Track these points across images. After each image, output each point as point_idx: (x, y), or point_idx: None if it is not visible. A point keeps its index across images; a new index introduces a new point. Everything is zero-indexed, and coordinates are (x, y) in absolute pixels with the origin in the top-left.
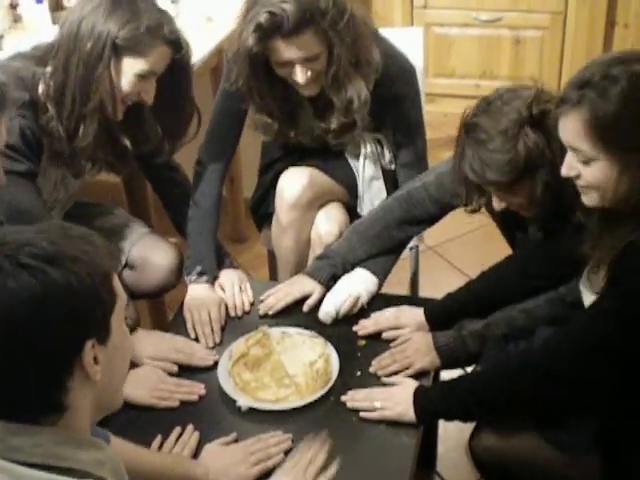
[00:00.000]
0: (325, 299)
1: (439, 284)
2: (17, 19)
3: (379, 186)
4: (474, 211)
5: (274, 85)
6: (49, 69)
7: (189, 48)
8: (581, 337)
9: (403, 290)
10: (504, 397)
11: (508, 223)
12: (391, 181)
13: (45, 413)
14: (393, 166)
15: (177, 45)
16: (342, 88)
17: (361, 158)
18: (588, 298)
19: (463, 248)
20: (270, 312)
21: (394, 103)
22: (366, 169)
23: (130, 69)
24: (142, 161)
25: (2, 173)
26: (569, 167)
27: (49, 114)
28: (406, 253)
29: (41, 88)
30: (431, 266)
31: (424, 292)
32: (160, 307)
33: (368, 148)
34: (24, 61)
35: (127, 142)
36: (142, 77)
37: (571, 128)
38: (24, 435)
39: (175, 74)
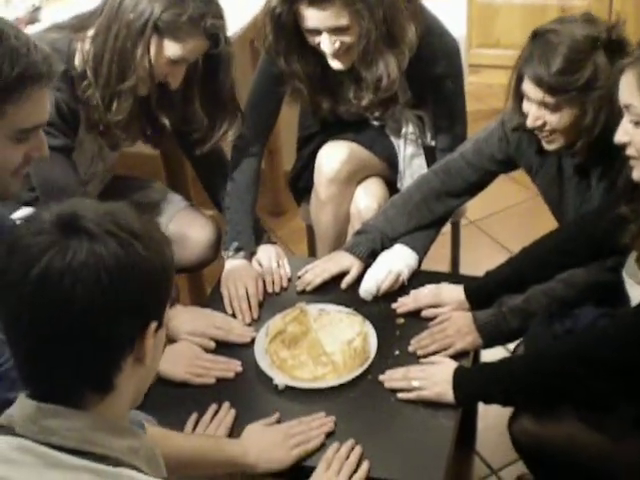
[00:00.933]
0: (365, 276)
1: (481, 260)
2: None
3: (420, 163)
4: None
5: (305, 51)
6: (90, 33)
7: (230, 44)
8: (632, 327)
9: (444, 267)
10: (547, 384)
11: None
12: (432, 157)
13: (92, 391)
14: (434, 142)
15: (216, 40)
16: (372, 64)
17: (402, 135)
18: (634, 289)
19: (506, 223)
20: (308, 288)
21: (435, 83)
22: (407, 147)
23: (164, 51)
24: (183, 143)
25: (46, 146)
26: (624, 132)
27: (86, 82)
28: (446, 228)
29: (78, 57)
30: (473, 241)
31: (465, 269)
32: (198, 281)
33: (410, 127)
34: (60, 32)
35: (166, 121)
36: (173, 61)
37: (627, 82)
38: (59, 418)
39: (213, 67)
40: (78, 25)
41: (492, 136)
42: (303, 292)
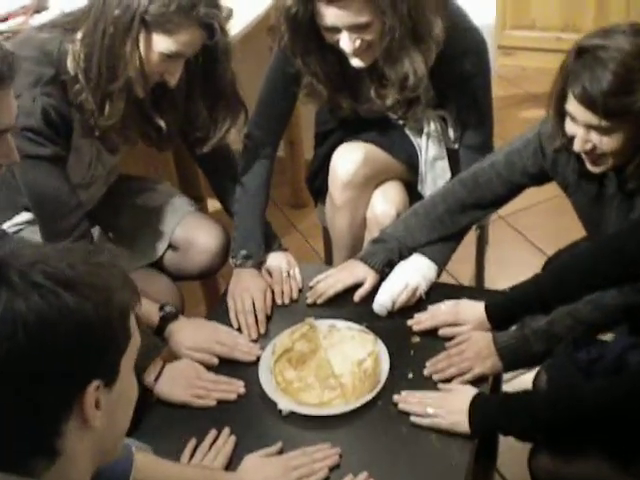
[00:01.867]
0: (380, 289)
1: (508, 257)
2: None
3: (443, 166)
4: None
5: (323, 50)
6: (79, 35)
7: (226, 34)
8: None
9: (468, 267)
10: (571, 426)
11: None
12: (455, 161)
13: (34, 458)
14: (457, 145)
15: (211, 30)
16: (397, 62)
17: (424, 137)
18: None
19: (536, 219)
20: (319, 301)
21: (462, 81)
22: (429, 149)
23: (155, 46)
24: (186, 142)
25: (16, 152)
26: None
27: (79, 86)
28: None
29: (69, 59)
30: (500, 237)
31: (491, 267)
32: (213, 288)
33: (432, 126)
34: (52, 31)
35: (162, 122)
36: (168, 57)
37: None
38: None
39: (210, 60)
40: (69, 25)
41: (527, 148)
42: (314, 304)
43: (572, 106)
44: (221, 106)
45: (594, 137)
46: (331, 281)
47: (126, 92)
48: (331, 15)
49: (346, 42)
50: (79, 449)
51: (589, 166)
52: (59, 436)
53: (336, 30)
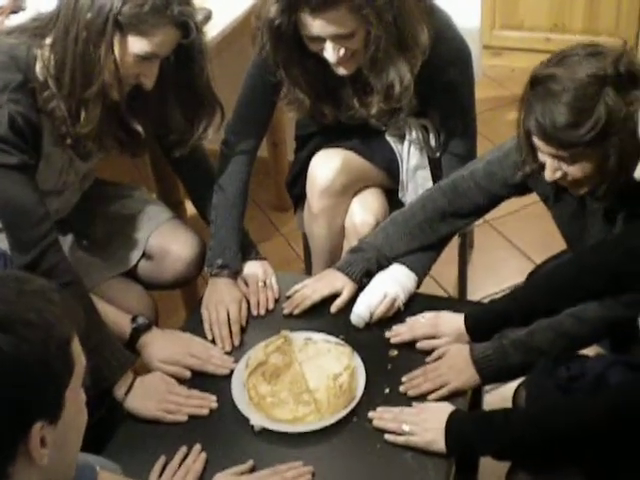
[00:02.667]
0: (358, 300)
1: (494, 262)
2: None
3: (424, 175)
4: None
5: (305, 59)
6: (48, 40)
7: (202, 32)
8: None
9: (453, 271)
10: (548, 442)
11: (562, 212)
12: (437, 170)
13: None
14: (438, 154)
15: (186, 28)
16: (382, 71)
17: (405, 145)
18: None
19: (522, 223)
20: (295, 312)
21: (448, 90)
22: (411, 158)
23: (130, 48)
24: (161, 145)
25: None
26: None
27: (48, 93)
28: None
29: (38, 65)
30: (486, 241)
31: (477, 271)
32: (194, 297)
33: (413, 135)
34: (20, 36)
35: (139, 127)
36: (143, 58)
37: None
38: None
39: (185, 60)
40: (37, 31)
41: (507, 158)
42: (290, 315)
43: (535, 139)
44: (196, 107)
45: (562, 165)
46: (308, 292)
47: (102, 97)
48: (316, 26)
49: (330, 52)
50: None
51: (570, 190)
52: (5, 478)
53: (320, 40)
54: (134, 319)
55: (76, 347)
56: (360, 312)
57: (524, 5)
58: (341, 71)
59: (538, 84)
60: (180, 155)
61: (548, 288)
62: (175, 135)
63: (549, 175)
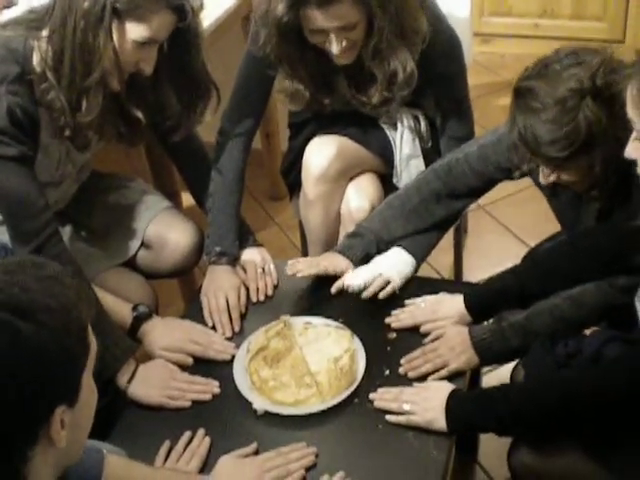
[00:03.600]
0: (355, 271)
1: (488, 247)
2: None
3: (417, 164)
4: (523, 175)
5: (306, 51)
6: (45, 32)
7: (197, 15)
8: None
9: (448, 257)
10: (548, 417)
11: (559, 200)
12: (430, 160)
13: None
14: (430, 144)
15: (182, 11)
16: (385, 60)
17: (398, 135)
18: None
19: (516, 208)
20: (298, 274)
21: (442, 81)
22: (403, 147)
23: (128, 35)
24: (157, 133)
25: None
26: (632, 148)
27: (46, 84)
28: None
29: (36, 57)
30: (480, 226)
31: (471, 256)
32: (191, 286)
33: (405, 124)
34: (16, 28)
35: (139, 114)
36: (141, 44)
37: (629, 97)
38: None
39: (182, 44)
40: (33, 23)
41: (500, 143)
42: (293, 276)
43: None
44: (192, 90)
45: (554, 171)
46: (313, 262)
47: (102, 86)
48: (321, 19)
49: (334, 44)
50: (43, 467)
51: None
52: (26, 461)
53: (324, 33)
54: (135, 307)
55: (90, 330)
56: (355, 282)
57: None
58: (341, 61)
59: (520, 97)
60: (177, 142)
61: (546, 268)
62: (172, 120)
63: (543, 180)
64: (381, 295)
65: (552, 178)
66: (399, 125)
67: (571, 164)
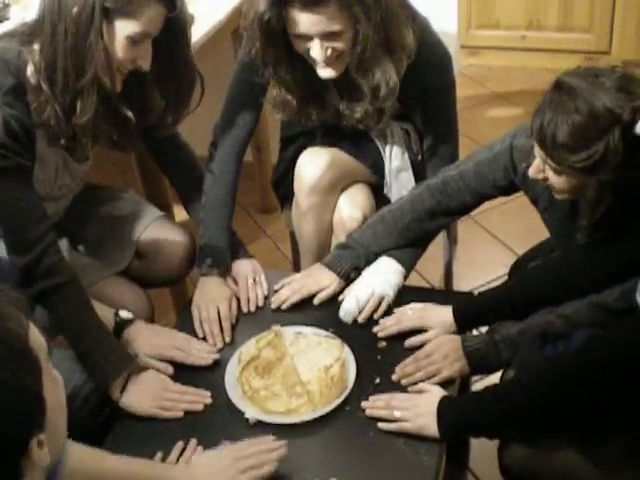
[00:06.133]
0: (347, 296)
1: (477, 256)
2: None
3: (407, 177)
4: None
5: (294, 60)
6: (36, 46)
7: (184, 6)
8: (622, 347)
9: (438, 266)
10: (538, 406)
11: (552, 216)
12: (419, 172)
13: None
14: (420, 157)
15: (170, 3)
16: (369, 72)
17: (388, 147)
18: None
19: (505, 217)
20: (283, 306)
21: (430, 95)
22: (393, 160)
23: (121, 32)
24: (148, 138)
25: None
26: None
27: (42, 96)
28: None
29: (29, 69)
30: (469, 236)
31: (461, 266)
32: (183, 295)
33: (395, 138)
34: (10, 41)
35: (129, 113)
36: (135, 41)
37: None
38: None
39: (170, 36)
40: (26, 34)
41: (497, 161)
42: (278, 309)
43: (533, 134)
44: (179, 81)
45: (547, 169)
46: (296, 286)
47: (96, 87)
48: (304, 22)
49: (317, 50)
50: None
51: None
52: None
53: (307, 38)
54: (117, 313)
55: (34, 334)
56: (349, 308)
57: (500, 4)
58: (326, 73)
59: (559, 89)
60: (169, 154)
61: (537, 287)
62: (156, 112)
63: (532, 172)
64: (376, 316)
65: (540, 175)
66: (389, 138)
67: (568, 175)
